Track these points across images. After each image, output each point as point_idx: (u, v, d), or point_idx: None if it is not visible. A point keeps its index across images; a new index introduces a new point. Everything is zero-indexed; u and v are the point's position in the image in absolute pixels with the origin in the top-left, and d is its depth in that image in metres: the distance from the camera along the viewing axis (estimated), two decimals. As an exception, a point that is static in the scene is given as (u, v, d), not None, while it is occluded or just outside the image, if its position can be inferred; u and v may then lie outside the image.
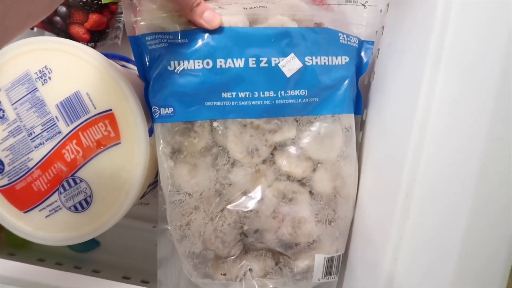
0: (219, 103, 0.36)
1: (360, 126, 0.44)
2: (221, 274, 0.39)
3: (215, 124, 0.37)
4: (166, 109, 0.37)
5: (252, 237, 0.39)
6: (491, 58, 0.27)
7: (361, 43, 0.41)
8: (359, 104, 0.42)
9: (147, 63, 0.37)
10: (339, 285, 0.42)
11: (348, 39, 0.40)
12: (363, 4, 0.41)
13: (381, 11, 0.45)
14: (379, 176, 0.36)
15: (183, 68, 0.36)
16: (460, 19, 0.27)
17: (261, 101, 0.36)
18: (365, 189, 0.40)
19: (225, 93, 0.36)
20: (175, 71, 0.36)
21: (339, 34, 0.39)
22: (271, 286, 0.39)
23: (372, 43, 0.42)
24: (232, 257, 0.39)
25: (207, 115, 0.37)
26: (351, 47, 0.40)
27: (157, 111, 0.37)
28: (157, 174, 0.44)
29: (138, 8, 0.36)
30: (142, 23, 0.37)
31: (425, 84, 0.28)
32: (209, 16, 0.32)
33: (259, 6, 0.37)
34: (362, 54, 0.41)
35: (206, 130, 0.37)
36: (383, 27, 0.43)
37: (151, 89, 0.38)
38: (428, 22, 0.29)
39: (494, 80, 0.27)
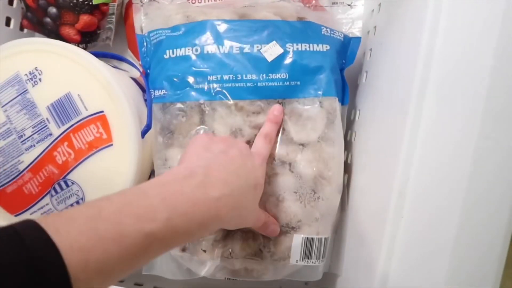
0: (206, 85, 0.39)
1: (353, 125, 0.45)
2: (201, 249, 0.40)
3: (202, 105, 0.40)
4: (160, 91, 0.41)
5: None
6: (481, 56, 0.27)
7: (347, 38, 0.43)
8: (345, 94, 0.43)
9: (149, 55, 0.43)
10: (333, 285, 0.42)
11: (332, 32, 0.42)
12: (349, 5, 0.45)
13: (373, 11, 0.46)
14: (372, 175, 0.37)
15: (176, 55, 0.40)
16: (450, 18, 0.27)
17: (244, 83, 0.39)
18: (359, 189, 0.40)
19: (211, 76, 0.40)
20: (169, 58, 0.41)
21: (322, 27, 0.42)
22: (246, 266, 0.40)
23: (359, 38, 0.44)
24: (214, 236, 0.39)
25: (195, 97, 0.40)
26: (334, 38, 0.42)
27: (153, 93, 0.41)
28: (150, 175, 0.44)
29: (145, 12, 0.44)
30: (147, 23, 0.43)
31: (417, 84, 0.28)
32: (271, 231, 0.38)
33: (248, 6, 0.42)
34: (349, 47, 0.43)
35: (195, 111, 0.40)
36: (375, 27, 0.44)
37: (150, 76, 0.42)
38: (419, 22, 0.29)
39: (485, 78, 0.27)
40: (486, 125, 0.27)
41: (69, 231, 0.22)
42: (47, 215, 0.22)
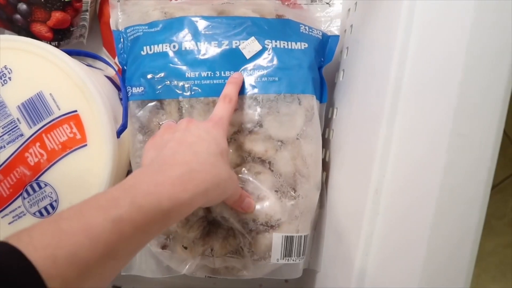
0: (184, 82, 0.39)
1: (331, 123, 0.45)
2: (182, 246, 0.39)
3: (181, 102, 0.39)
4: (137, 88, 0.40)
5: (214, 213, 0.39)
6: (454, 54, 0.27)
7: (326, 36, 0.44)
8: (323, 92, 0.43)
9: (126, 52, 0.42)
10: (312, 281, 0.43)
11: (310, 30, 0.42)
12: (327, 3, 0.45)
13: (349, 10, 0.46)
14: (349, 173, 0.37)
15: (153, 51, 0.40)
16: (423, 17, 0.28)
17: (222, 80, 0.39)
18: (336, 186, 0.40)
19: (189, 73, 0.39)
20: (147, 55, 0.40)
21: (300, 25, 0.42)
22: (226, 264, 0.40)
23: (337, 37, 0.44)
24: (194, 234, 0.39)
25: (173, 94, 0.39)
26: (312, 36, 0.42)
27: (130, 90, 0.41)
28: (127, 176, 0.43)
29: (122, 8, 0.43)
30: (124, 19, 0.43)
31: (392, 82, 0.29)
32: (247, 204, 0.37)
33: (226, 3, 0.42)
34: (327, 45, 0.44)
35: (174, 108, 0.39)
36: (351, 25, 0.44)
37: (127, 73, 0.42)
38: (393, 20, 0.30)
39: (458, 76, 0.27)
40: (459, 122, 0.28)
41: (31, 235, 0.22)
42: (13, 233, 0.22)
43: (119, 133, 0.39)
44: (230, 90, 0.38)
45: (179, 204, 0.27)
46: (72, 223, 0.23)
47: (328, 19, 0.45)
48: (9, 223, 0.38)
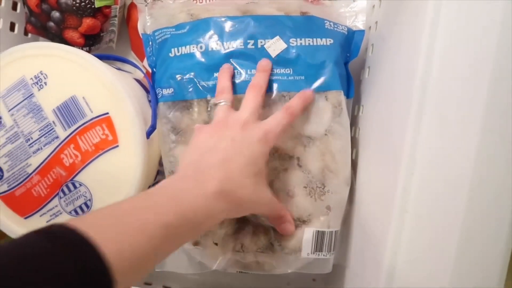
0: (212, 82, 0.40)
1: (357, 121, 0.45)
2: (213, 242, 0.40)
3: (209, 102, 0.40)
4: (167, 89, 0.41)
5: None
6: (483, 49, 0.27)
7: (351, 31, 0.43)
8: (350, 87, 0.43)
9: (155, 54, 0.43)
10: (341, 285, 0.43)
11: (335, 26, 0.42)
12: None
13: (373, 6, 0.46)
14: (376, 171, 0.37)
15: (181, 53, 0.41)
16: (450, 12, 0.27)
17: (249, 77, 0.40)
18: (363, 184, 0.40)
19: (217, 73, 0.40)
20: (175, 56, 0.41)
21: (325, 21, 0.42)
22: (257, 259, 0.40)
23: (363, 31, 0.43)
24: (225, 230, 0.40)
25: (202, 94, 0.40)
26: (337, 32, 0.42)
27: (160, 92, 0.42)
28: (156, 175, 0.44)
29: (149, 12, 0.45)
30: (152, 22, 0.44)
31: (419, 77, 0.28)
32: (285, 228, 0.38)
33: (251, 2, 0.43)
34: (353, 40, 0.43)
35: (203, 107, 0.40)
36: (376, 22, 0.43)
37: (156, 75, 0.43)
38: (420, 16, 0.29)
39: (487, 71, 0.27)
40: (489, 118, 0.27)
41: (98, 227, 0.24)
42: (72, 218, 0.24)
43: (148, 134, 0.40)
44: (295, 104, 0.37)
45: (212, 218, 0.31)
46: (131, 220, 0.25)
47: (353, 14, 0.44)
48: (47, 222, 0.40)
